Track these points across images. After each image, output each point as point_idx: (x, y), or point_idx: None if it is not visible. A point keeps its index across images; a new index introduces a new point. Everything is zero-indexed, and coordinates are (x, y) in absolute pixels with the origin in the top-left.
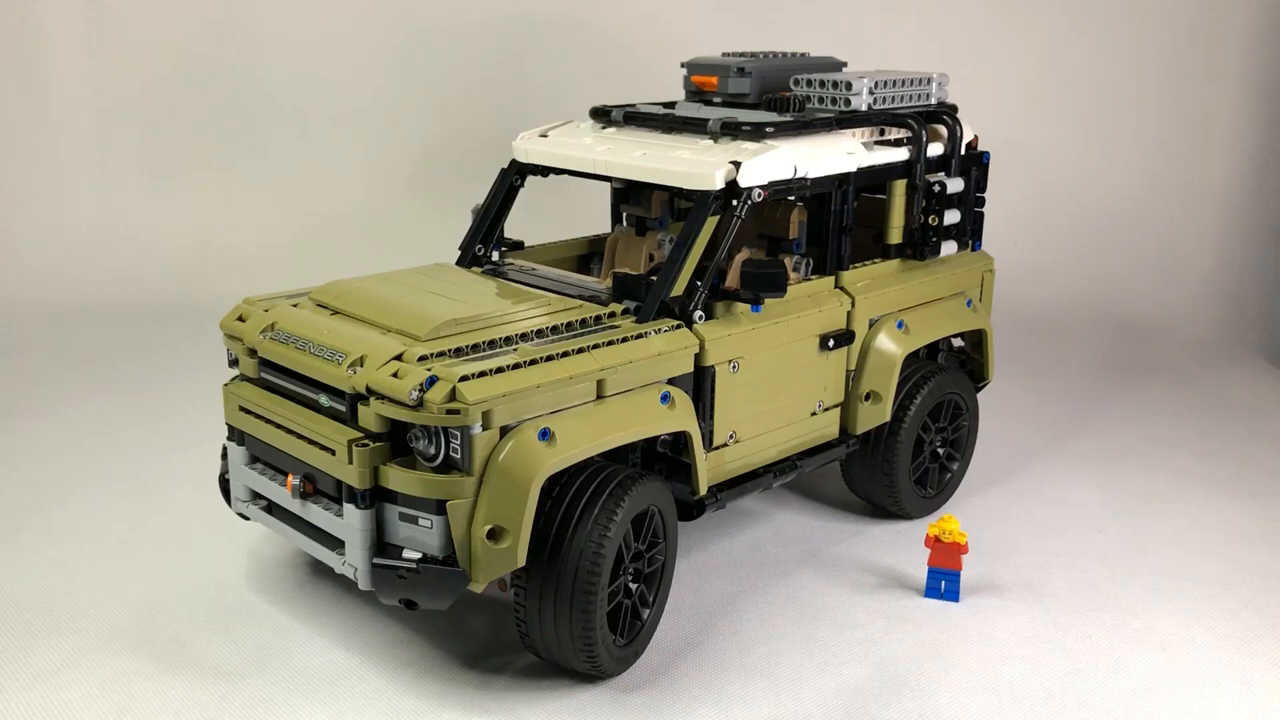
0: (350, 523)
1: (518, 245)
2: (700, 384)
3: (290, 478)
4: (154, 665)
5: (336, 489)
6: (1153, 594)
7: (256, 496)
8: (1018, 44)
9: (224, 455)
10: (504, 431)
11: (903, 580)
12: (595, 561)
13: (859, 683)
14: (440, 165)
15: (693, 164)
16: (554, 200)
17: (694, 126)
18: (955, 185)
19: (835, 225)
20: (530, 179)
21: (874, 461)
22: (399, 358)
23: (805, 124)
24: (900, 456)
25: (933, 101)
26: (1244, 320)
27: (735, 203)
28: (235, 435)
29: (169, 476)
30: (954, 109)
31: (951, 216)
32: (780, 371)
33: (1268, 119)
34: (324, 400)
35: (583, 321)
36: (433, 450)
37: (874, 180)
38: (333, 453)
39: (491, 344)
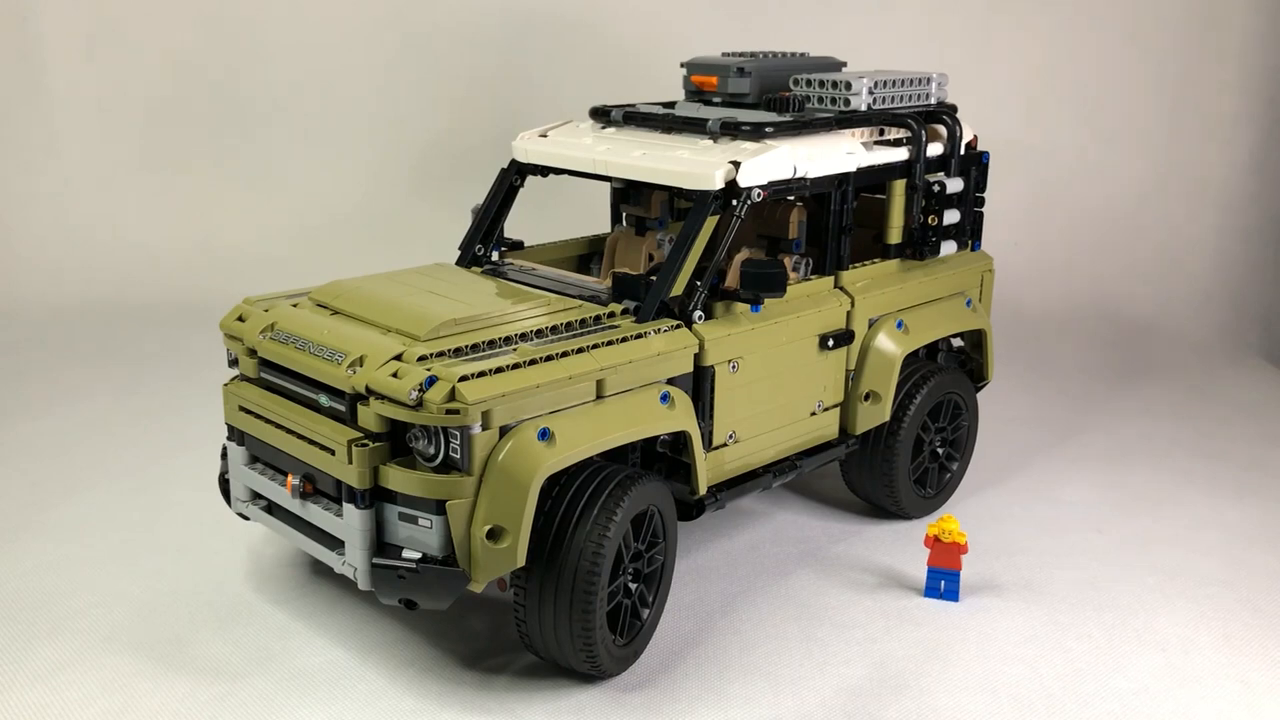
0: (350, 523)
1: (518, 245)
2: (700, 384)
3: (290, 478)
4: (154, 665)
5: (336, 489)
6: (1153, 594)
7: (256, 496)
8: (1018, 43)
9: (224, 455)
10: (503, 431)
11: (903, 580)
12: (595, 561)
13: (859, 683)
14: (440, 165)
15: (692, 164)
16: (554, 200)
17: (694, 126)
18: (955, 185)
19: (835, 225)
20: (530, 179)
21: (874, 461)
22: (399, 358)
23: (805, 124)
24: (900, 456)
25: (932, 101)
26: (1244, 320)
27: (735, 203)
28: (235, 435)
29: (169, 476)
30: (954, 109)
31: (951, 216)
32: (780, 371)
33: (1268, 119)
34: (324, 400)
35: (582, 321)
36: (432, 450)
37: (874, 180)
38: (332, 453)
39: (491, 344)
